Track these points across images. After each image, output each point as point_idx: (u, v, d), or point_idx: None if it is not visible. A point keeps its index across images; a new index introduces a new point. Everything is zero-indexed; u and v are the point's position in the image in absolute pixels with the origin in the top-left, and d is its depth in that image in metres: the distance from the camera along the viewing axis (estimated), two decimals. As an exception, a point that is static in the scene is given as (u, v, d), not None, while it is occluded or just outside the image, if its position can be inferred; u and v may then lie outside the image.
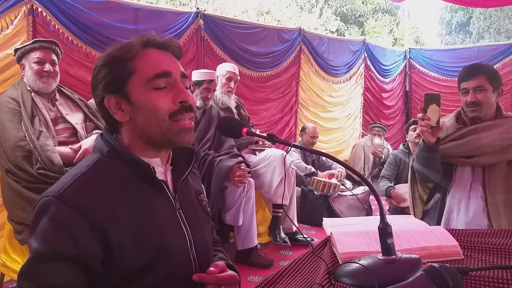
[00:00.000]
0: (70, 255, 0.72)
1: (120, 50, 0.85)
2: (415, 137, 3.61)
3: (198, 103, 2.83)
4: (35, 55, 2.08)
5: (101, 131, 0.93)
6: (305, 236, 3.25)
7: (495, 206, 1.68)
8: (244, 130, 0.91)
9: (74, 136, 2.13)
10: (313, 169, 4.02)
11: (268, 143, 3.11)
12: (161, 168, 0.90)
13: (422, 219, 1.90)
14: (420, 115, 1.62)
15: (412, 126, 3.68)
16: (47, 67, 2.09)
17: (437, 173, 1.78)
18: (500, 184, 1.69)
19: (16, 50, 2.13)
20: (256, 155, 3.11)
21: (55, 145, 2.01)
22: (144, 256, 0.79)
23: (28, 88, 2.09)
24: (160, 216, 0.85)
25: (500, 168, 1.70)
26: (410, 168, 1.95)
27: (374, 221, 1.18)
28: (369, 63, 6.12)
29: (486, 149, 1.69)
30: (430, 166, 1.75)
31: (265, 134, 0.97)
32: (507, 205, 1.67)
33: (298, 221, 3.52)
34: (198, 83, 2.82)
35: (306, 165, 4.01)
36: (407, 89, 6.87)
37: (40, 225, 0.74)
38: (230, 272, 0.90)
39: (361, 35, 11.81)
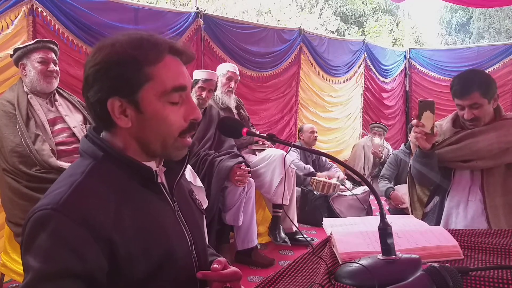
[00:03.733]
0: (76, 272, 0.67)
1: (139, 52, 0.76)
2: None
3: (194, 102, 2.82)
4: (38, 55, 2.09)
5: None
6: (305, 236, 3.25)
7: (494, 210, 1.66)
8: (244, 130, 0.91)
9: (73, 136, 2.13)
10: (312, 169, 4.02)
11: (268, 143, 3.12)
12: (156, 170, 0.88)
13: (421, 221, 1.90)
14: (414, 121, 1.60)
15: None
16: (51, 66, 2.10)
17: (435, 177, 1.77)
18: (498, 187, 1.68)
19: (16, 50, 2.12)
20: (256, 155, 3.11)
21: (52, 148, 2.00)
22: (151, 262, 0.77)
23: (25, 90, 2.09)
24: (162, 220, 0.82)
25: (499, 171, 1.69)
26: (408, 171, 1.93)
27: (374, 221, 1.18)
28: (369, 63, 6.11)
29: (484, 153, 1.67)
30: (427, 171, 1.73)
31: (265, 134, 0.97)
32: (506, 208, 1.66)
33: (298, 221, 3.51)
34: (194, 82, 2.83)
35: (305, 165, 4.01)
36: (407, 89, 6.87)
37: (38, 241, 0.68)
38: (233, 268, 0.89)
39: (361, 35, 11.80)
